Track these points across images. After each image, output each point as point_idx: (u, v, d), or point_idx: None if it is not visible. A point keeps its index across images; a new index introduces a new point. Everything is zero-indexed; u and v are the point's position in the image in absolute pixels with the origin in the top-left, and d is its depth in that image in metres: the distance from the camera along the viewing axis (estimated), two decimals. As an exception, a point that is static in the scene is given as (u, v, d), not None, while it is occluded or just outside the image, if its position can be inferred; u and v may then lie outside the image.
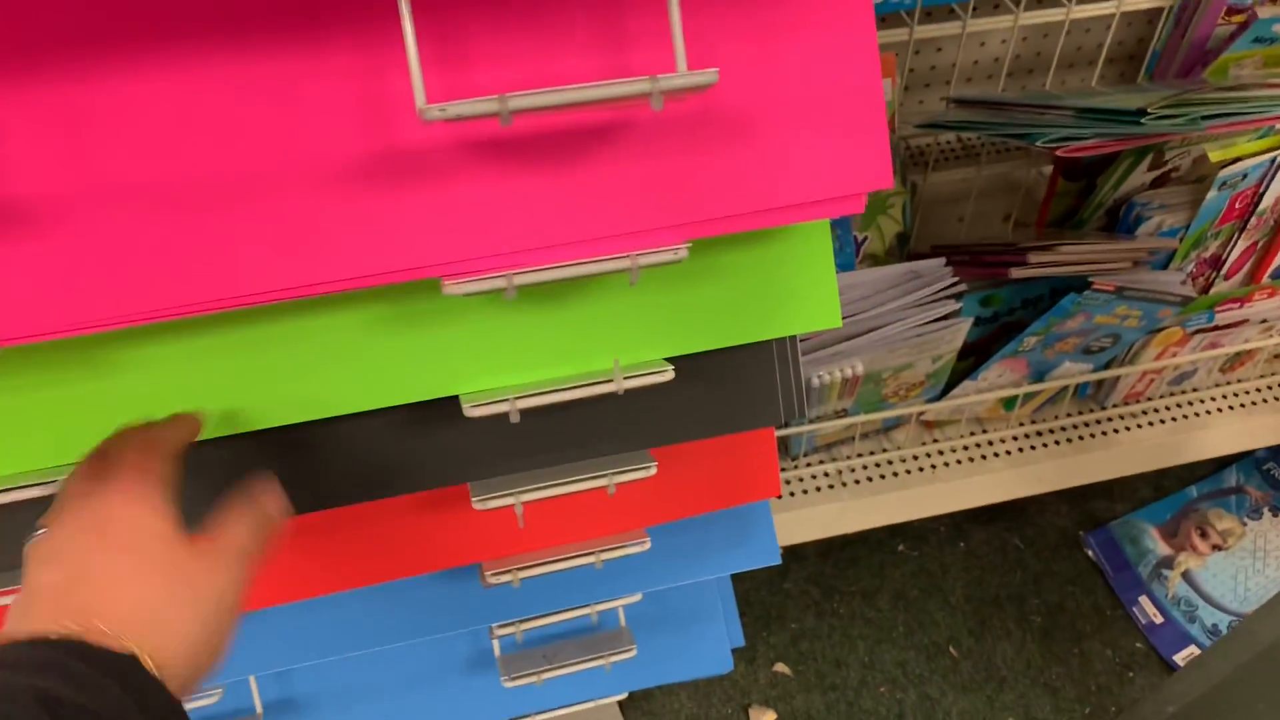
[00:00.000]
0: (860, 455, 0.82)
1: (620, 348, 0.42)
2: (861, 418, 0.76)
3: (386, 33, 0.33)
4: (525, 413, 0.40)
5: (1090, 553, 0.98)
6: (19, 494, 0.36)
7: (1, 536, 0.40)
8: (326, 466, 0.44)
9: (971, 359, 0.79)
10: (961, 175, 0.86)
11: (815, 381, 0.68)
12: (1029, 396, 0.81)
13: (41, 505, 0.37)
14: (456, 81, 0.34)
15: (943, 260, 0.72)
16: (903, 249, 0.81)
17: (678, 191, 0.36)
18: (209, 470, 0.41)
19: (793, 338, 0.48)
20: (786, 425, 0.75)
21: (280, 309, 0.39)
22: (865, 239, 0.80)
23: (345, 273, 0.35)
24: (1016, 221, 0.86)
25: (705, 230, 0.37)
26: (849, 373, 0.67)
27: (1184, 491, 1.02)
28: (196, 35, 0.32)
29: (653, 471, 0.46)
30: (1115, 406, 0.87)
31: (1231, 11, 0.81)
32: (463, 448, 0.45)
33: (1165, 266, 0.76)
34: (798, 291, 0.44)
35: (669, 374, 0.41)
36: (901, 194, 0.78)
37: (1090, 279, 0.69)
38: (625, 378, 0.40)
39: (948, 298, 0.70)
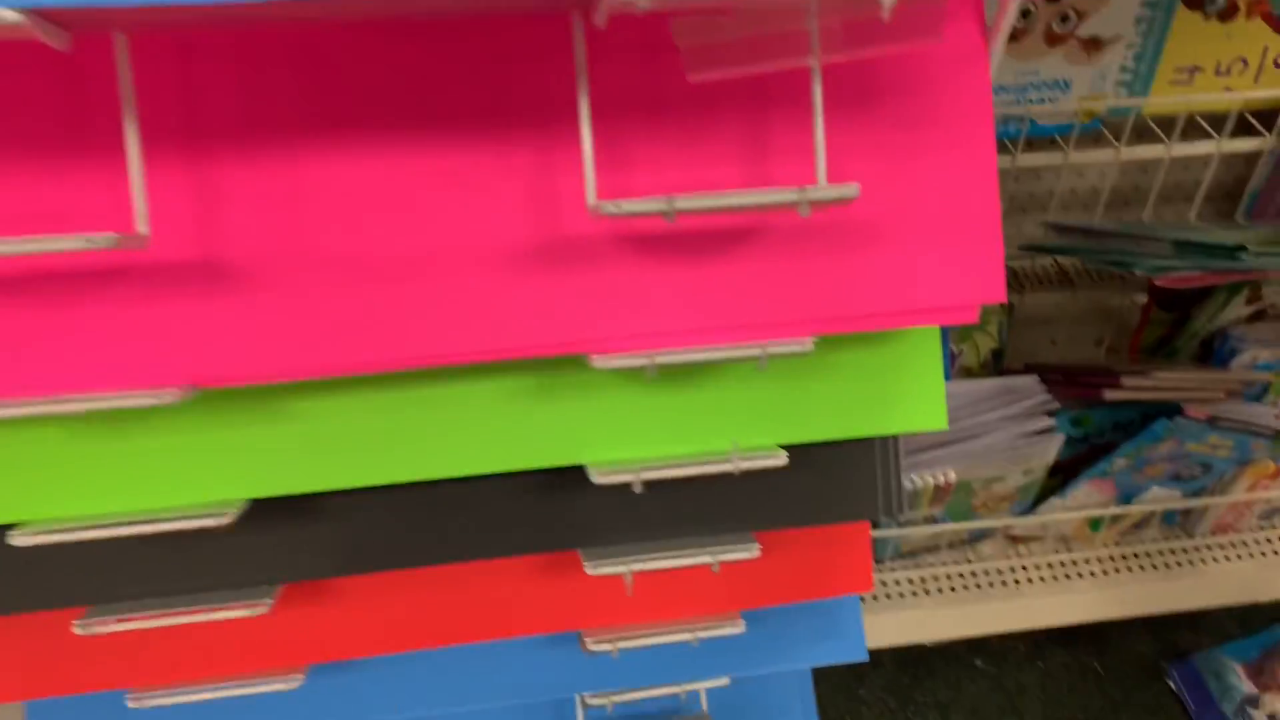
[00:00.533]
0: (945, 565, 0.84)
1: (735, 431, 0.46)
2: (949, 526, 0.77)
3: (562, 137, 0.38)
4: (643, 485, 0.44)
5: (1172, 684, 0.97)
6: (199, 522, 0.40)
7: (185, 558, 0.44)
8: (453, 522, 0.48)
9: (1060, 477, 0.80)
10: (1056, 299, 0.89)
11: (908, 485, 0.70)
12: (1116, 519, 0.82)
13: (215, 534, 0.41)
14: (619, 181, 0.38)
15: (1037, 378, 0.74)
16: (996, 365, 0.84)
17: (807, 290, 0.40)
18: (350, 515, 0.45)
19: (895, 437, 0.51)
20: (881, 524, 0.77)
21: (438, 373, 0.43)
22: (960, 353, 0.82)
23: (507, 344, 0.39)
24: (1109, 348, 0.88)
25: (829, 327, 0.41)
26: (941, 479, 0.70)
27: (1272, 629, 1.00)
28: (399, 128, 0.37)
29: (755, 553, 0.49)
30: (1204, 536, 0.87)
31: (1332, 157, 0.84)
32: (580, 515, 0.48)
33: (1259, 400, 0.77)
34: (906, 392, 0.47)
35: (782, 459, 0.44)
36: (998, 312, 0.81)
37: (1182, 406, 0.71)
38: (741, 459, 0.43)
39: (1041, 413, 0.72)
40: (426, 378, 0.43)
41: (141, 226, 0.32)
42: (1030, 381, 0.74)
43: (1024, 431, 0.70)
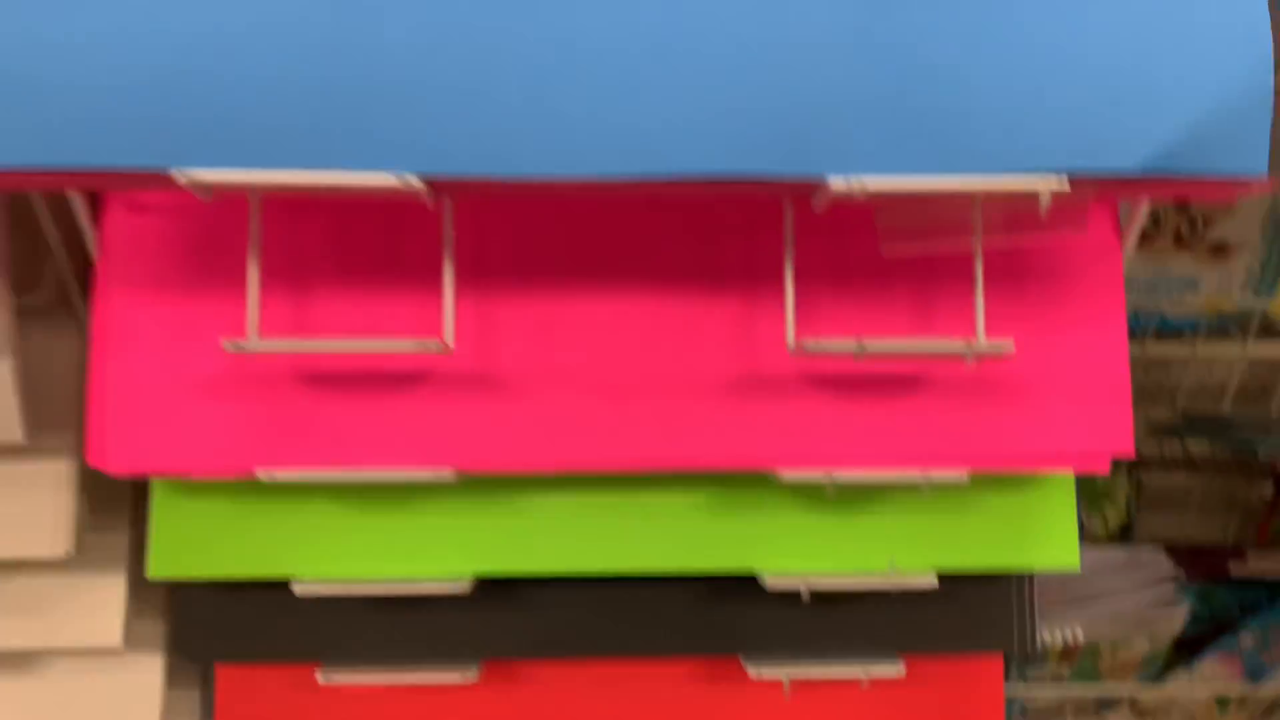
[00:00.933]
0: (1070, 733, 0.86)
1: (890, 554, 0.52)
2: (1076, 691, 0.81)
3: (763, 290, 0.47)
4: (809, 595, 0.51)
5: None
6: (430, 588, 0.49)
7: (410, 627, 0.52)
8: (633, 621, 0.55)
9: (1186, 654, 0.83)
10: (1185, 482, 0.93)
11: (1038, 640, 0.74)
12: (1244, 701, 0.84)
13: (447, 600, 0.49)
14: (808, 327, 0.47)
15: (1164, 551, 0.79)
16: (1124, 540, 0.88)
17: (961, 430, 0.47)
18: (547, 604, 0.53)
19: (1031, 576, 0.56)
20: (1011, 675, 0.81)
21: (640, 481, 0.51)
22: (1090, 524, 0.87)
23: (708, 457, 0.47)
24: (1236, 533, 0.92)
25: (979, 464, 0.48)
26: (1070, 637, 0.74)
27: None
28: (635, 276, 0.47)
29: (901, 671, 0.55)
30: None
31: None
32: (742, 623, 0.55)
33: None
34: (1044, 532, 0.53)
35: (933, 581, 0.51)
36: (1126, 489, 0.87)
37: (1311, 588, 0.75)
38: (897, 577, 0.50)
39: (1168, 583, 0.76)
40: (631, 484, 0.51)
41: (449, 339, 0.42)
42: (1157, 554, 0.78)
43: (1150, 600, 0.74)
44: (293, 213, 0.46)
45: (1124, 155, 0.36)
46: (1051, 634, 0.75)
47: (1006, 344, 0.42)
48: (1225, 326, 0.92)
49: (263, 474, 0.44)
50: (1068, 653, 0.76)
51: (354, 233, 0.46)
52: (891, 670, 0.55)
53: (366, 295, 0.46)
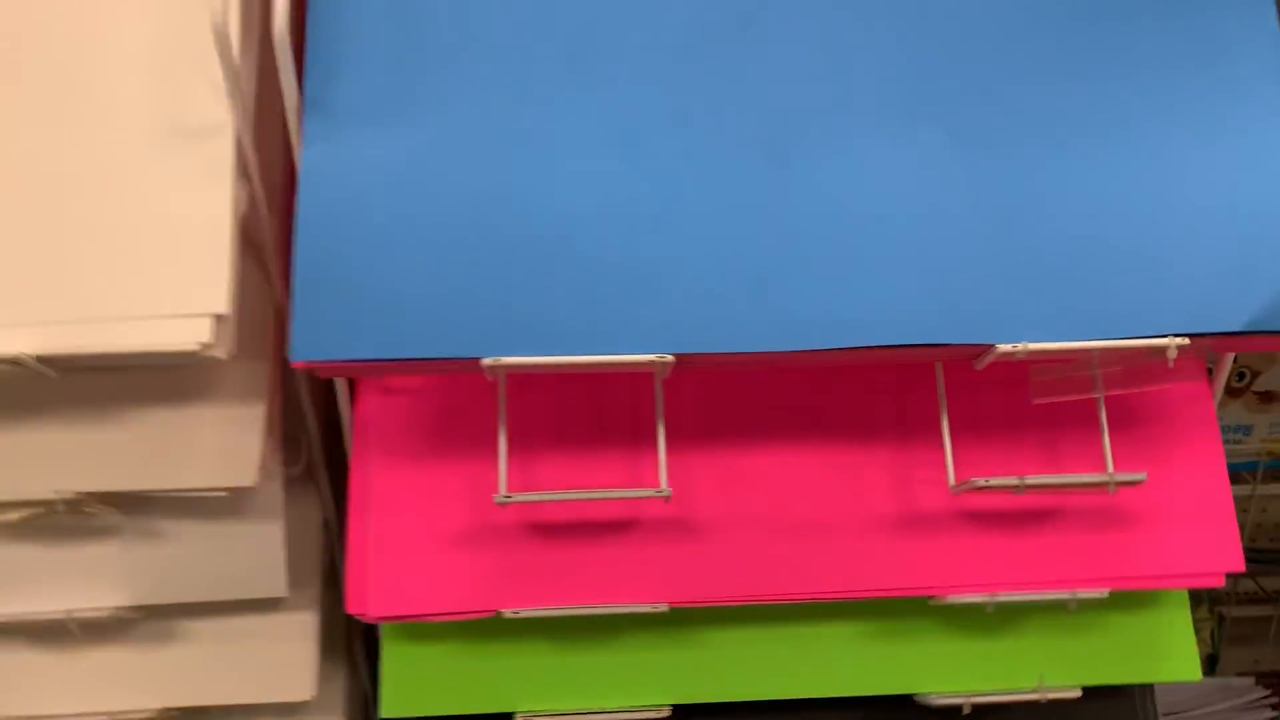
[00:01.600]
0: None
1: (1033, 670, 0.59)
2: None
3: (915, 440, 0.55)
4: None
5: None
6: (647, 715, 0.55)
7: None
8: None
9: (1284, 779, 0.87)
10: (1261, 612, 0.99)
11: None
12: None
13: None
14: (964, 467, 0.55)
15: (1253, 680, 0.84)
16: (1211, 671, 0.93)
17: (1095, 555, 0.55)
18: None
19: (1152, 691, 0.63)
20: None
21: (806, 613, 0.58)
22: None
23: (876, 586, 0.55)
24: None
25: (1113, 585, 0.55)
26: (1178, 763, 0.79)
27: None
28: (804, 431, 0.55)
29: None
30: None
31: None
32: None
33: None
34: (1167, 646, 0.59)
35: (1077, 693, 0.57)
36: (1210, 622, 0.92)
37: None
38: (1047, 691, 0.57)
39: (1264, 707, 0.81)
40: (798, 617, 0.58)
41: (666, 487, 0.50)
42: (1247, 682, 0.84)
43: (1249, 722, 0.80)
44: (519, 388, 0.54)
45: (1232, 317, 0.45)
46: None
47: (1140, 475, 0.50)
48: (1275, 469, 1.00)
49: (508, 613, 0.52)
50: (1176, 779, 0.80)
51: (568, 402, 0.55)
52: (1041, 784, 0.61)
53: (580, 455, 0.55)
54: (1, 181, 0.46)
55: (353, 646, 0.65)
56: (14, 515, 0.48)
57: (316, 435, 0.57)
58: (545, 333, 0.45)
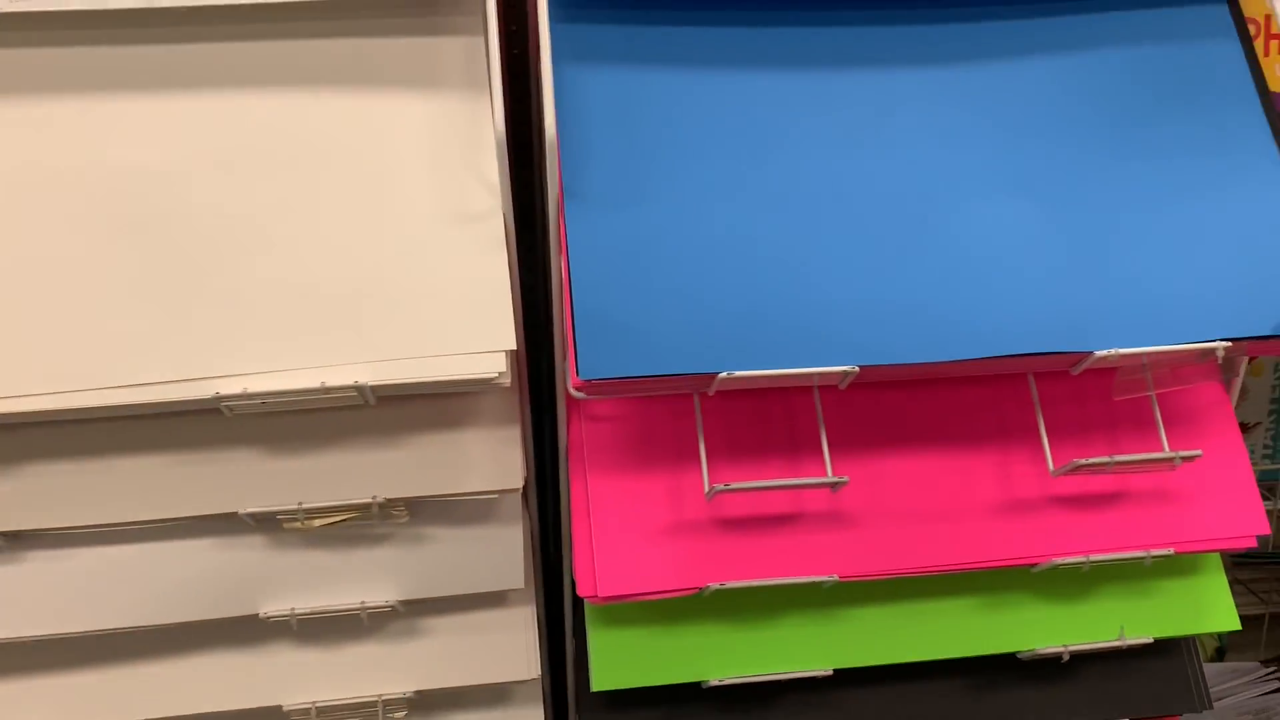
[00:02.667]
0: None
1: (1114, 623, 0.73)
2: (1211, 787, 0.98)
3: (1010, 442, 0.70)
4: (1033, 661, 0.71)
5: None
6: (812, 672, 0.68)
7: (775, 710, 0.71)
8: (915, 703, 0.74)
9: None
10: (1257, 610, 1.15)
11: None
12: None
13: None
14: (1058, 455, 0.70)
15: (1258, 662, 0.99)
16: (1220, 659, 1.08)
17: (1159, 521, 0.70)
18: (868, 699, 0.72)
19: (1195, 645, 0.77)
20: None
21: (929, 590, 0.72)
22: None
23: (991, 557, 0.69)
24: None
25: (1179, 546, 0.69)
26: (1207, 730, 0.93)
27: None
28: (927, 439, 0.70)
29: (1127, 726, 0.74)
30: None
31: None
32: (998, 701, 0.74)
33: None
34: (1210, 602, 0.74)
35: (1149, 640, 0.71)
36: (1213, 618, 1.08)
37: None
38: (1127, 640, 0.71)
39: (1270, 680, 0.96)
40: (927, 593, 0.72)
41: (830, 478, 0.64)
42: (1253, 664, 0.99)
43: (1259, 693, 0.94)
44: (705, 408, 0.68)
45: (1261, 325, 0.62)
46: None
47: (1196, 451, 0.65)
48: (1254, 488, 1.16)
49: (712, 587, 0.65)
50: (1206, 746, 0.94)
51: (737, 417, 0.69)
52: (1121, 725, 0.74)
53: (754, 459, 0.68)
54: (334, 255, 0.60)
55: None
56: (339, 518, 0.60)
57: (530, 452, 0.70)
58: (760, 352, 0.59)
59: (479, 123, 0.64)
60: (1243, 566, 1.13)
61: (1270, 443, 1.16)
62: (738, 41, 0.66)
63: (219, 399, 0.56)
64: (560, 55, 0.64)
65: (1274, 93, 0.70)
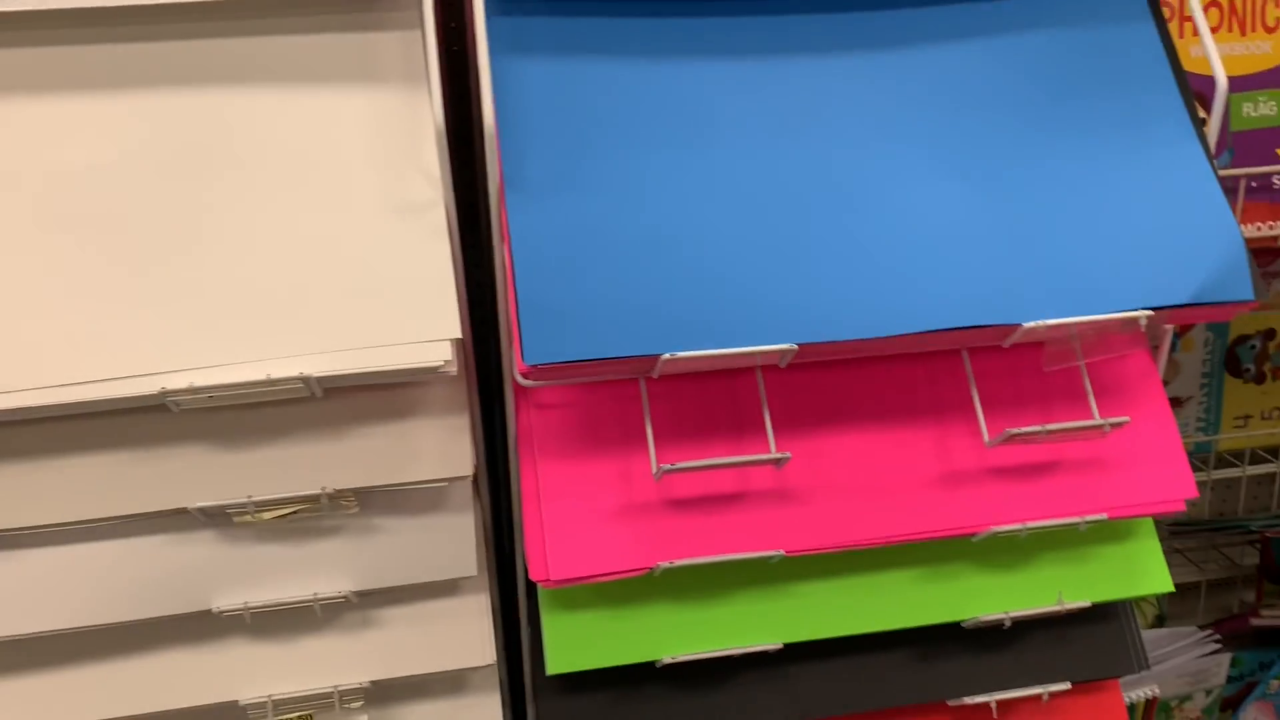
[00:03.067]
0: (1153, 797, 1.06)
1: (1052, 589, 0.75)
2: (1154, 750, 1.01)
3: (946, 417, 0.72)
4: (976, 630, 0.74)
5: None
6: (760, 648, 0.70)
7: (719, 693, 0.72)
8: (868, 678, 0.75)
9: (1232, 709, 1.06)
10: (1194, 578, 1.19)
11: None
12: (1281, 742, 1.06)
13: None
14: (993, 427, 0.72)
15: (1195, 626, 1.03)
16: (1160, 625, 1.12)
17: (1091, 488, 0.72)
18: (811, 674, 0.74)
19: (1131, 609, 0.80)
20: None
21: (868, 564, 0.73)
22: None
23: (925, 529, 0.70)
24: (1241, 602, 1.16)
25: (1107, 512, 0.72)
26: (1149, 693, 0.96)
27: None
28: (870, 416, 0.72)
29: (1069, 686, 0.76)
30: (1353, 761, 1.09)
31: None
32: (942, 668, 0.76)
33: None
34: (1144, 565, 0.77)
35: (1088, 604, 0.74)
36: (1153, 587, 1.11)
37: (1309, 632, 0.99)
38: (1066, 604, 0.73)
39: (1208, 643, 1.00)
40: (871, 566, 0.73)
41: (774, 455, 0.66)
42: (1191, 629, 1.02)
43: (1199, 654, 0.97)
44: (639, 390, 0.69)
45: (1181, 292, 0.64)
46: (1131, 697, 0.97)
47: (1124, 418, 0.68)
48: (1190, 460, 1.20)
49: (661, 566, 0.66)
50: (1148, 709, 0.97)
51: (682, 401, 0.70)
52: (1063, 685, 0.76)
53: (699, 440, 0.70)
54: (277, 250, 0.60)
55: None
56: (289, 510, 0.61)
57: (480, 441, 0.71)
58: (702, 334, 0.61)
59: (418, 116, 0.64)
60: (1180, 535, 1.17)
61: (1203, 415, 1.20)
62: (673, 31, 0.68)
63: (165, 394, 0.56)
64: (497, 48, 0.65)
65: (1188, 72, 0.72)
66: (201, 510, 0.60)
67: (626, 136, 0.64)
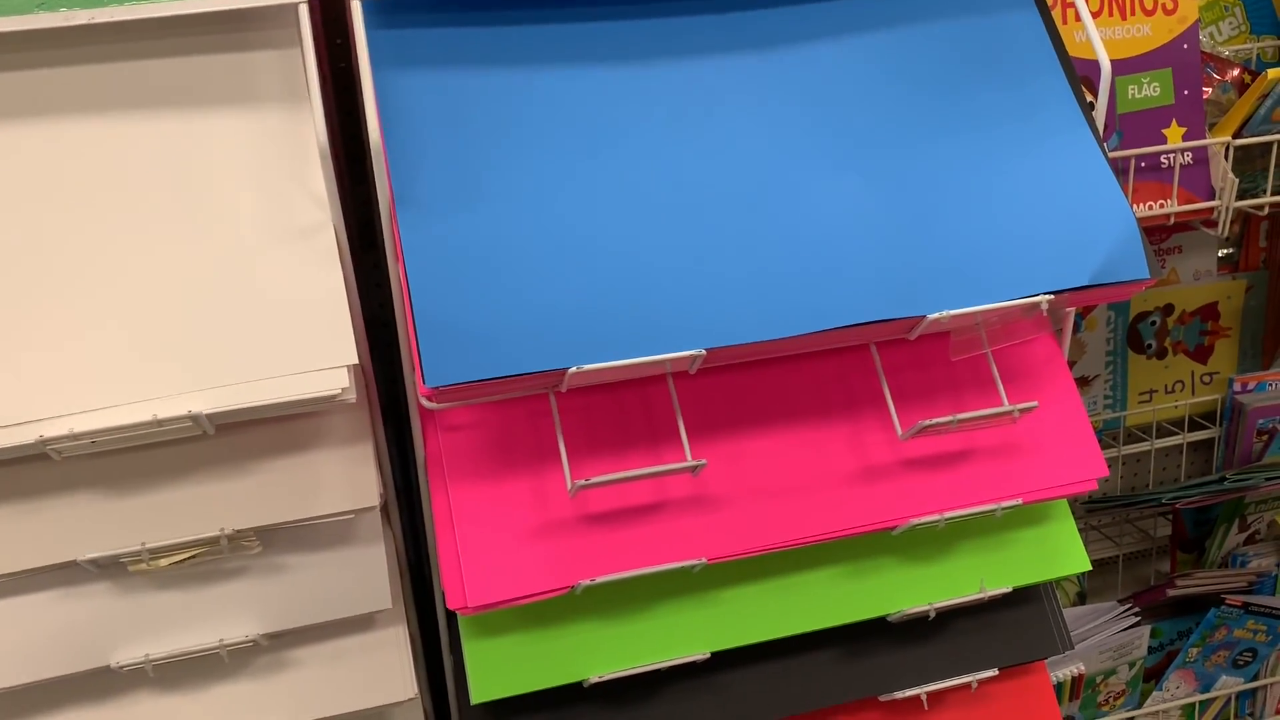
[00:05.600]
0: (1085, 772, 1.07)
1: (973, 577, 0.75)
2: (1084, 726, 1.03)
3: (866, 410, 0.72)
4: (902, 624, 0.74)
5: None
6: (686, 659, 0.68)
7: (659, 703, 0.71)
8: (797, 682, 0.75)
9: (1154, 680, 1.07)
10: (1110, 549, 1.22)
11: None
12: (1204, 706, 1.08)
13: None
14: (905, 419, 0.72)
15: (1115, 601, 1.04)
16: (1082, 602, 1.14)
17: (1005, 474, 0.72)
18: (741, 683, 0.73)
19: (1053, 590, 0.81)
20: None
21: (791, 564, 0.73)
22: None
23: (851, 524, 0.70)
24: (1156, 572, 1.19)
25: (1021, 497, 0.72)
26: (1075, 671, 0.97)
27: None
28: (782, 417, 0.71)
29: (996, 673, 0.76)
30: (1270, 718, 1.12)
31: (1260, 433, 1.21)
32: (871, 663, 0.76)
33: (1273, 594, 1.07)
34: (1062, 549, 0.77)
35: (1009, 590, 0.74)
36: (1072, 565, 1.13)
37: (1224, 598, 1.01)
38: (988, 592, 0.73)
39: (1128, 616, 1.01)
40: (793, 567, 0.73)
41: (690, 463, 0.65)
42: (1111, 604, 1.03)
43: (1119, 629, 0.99)
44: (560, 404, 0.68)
45: (1079, 275, 0.65)
46: (1057, 676, 0.98)
47: (1032, 403, 0.68)
48: (1099, 437, 1.22)
49: (583, 584, 0.65)
50: (1075, 686, 0.98)
51: (595, 412, 0.69)
52: (990, 673, 0.77)
53: (615, 451, 0.68)
54: (160, 282, 0.57)
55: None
56: (187, 555, 0.58)
57: (389, 471, 0.69)
58: (608, 344, 0.59)
59: (302, 135, 0.62)
60: (1095, 513, 1.19)
61: (1110, 392, 1.22)
62: (560, 38, 0.66)
63: (44, 442, 0.53)
64: (381, 62, 0.63)
65: (1074, 57, 0.73)
66: (93, 561, 0.57)
67: (519, 146, 0.63)
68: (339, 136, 0.79)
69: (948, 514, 0.70)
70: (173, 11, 0.60)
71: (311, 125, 0.61)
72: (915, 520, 0.70)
